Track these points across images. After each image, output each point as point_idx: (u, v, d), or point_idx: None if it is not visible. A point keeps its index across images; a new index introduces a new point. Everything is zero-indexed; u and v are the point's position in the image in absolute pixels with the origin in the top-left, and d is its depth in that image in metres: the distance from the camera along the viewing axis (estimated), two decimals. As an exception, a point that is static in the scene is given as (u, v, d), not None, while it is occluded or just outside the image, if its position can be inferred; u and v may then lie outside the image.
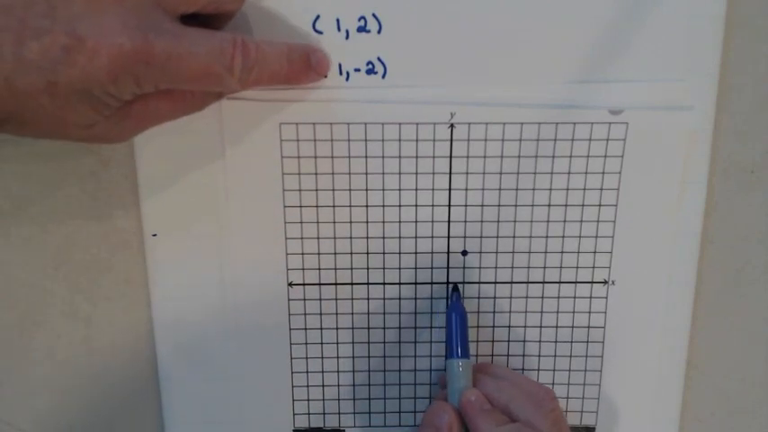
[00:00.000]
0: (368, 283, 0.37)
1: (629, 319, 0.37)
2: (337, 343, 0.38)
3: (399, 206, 0.36)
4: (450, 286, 0.37)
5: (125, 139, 0.30)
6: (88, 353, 0.38)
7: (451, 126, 0.34)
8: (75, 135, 0.28)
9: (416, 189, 0.35)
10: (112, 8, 0.25)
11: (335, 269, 0.36)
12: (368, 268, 0.37)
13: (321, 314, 0.37)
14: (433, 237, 0.36)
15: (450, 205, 0.36)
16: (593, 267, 0.37)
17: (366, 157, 0.35)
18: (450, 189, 0.35)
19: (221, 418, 0.38)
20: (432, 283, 0.37)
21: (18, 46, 0.24)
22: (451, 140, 0.35)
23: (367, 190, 0.35)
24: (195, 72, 0.27)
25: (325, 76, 0.33)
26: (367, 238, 0.36)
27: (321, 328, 0.37)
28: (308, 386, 0.38)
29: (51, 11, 0.24)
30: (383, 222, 0.36)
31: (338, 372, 0.38)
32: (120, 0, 0.25)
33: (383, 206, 0.36)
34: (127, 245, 0.36)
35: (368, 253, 0.36)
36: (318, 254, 0.36)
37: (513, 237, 0.36)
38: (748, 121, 0.35)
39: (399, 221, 0.36)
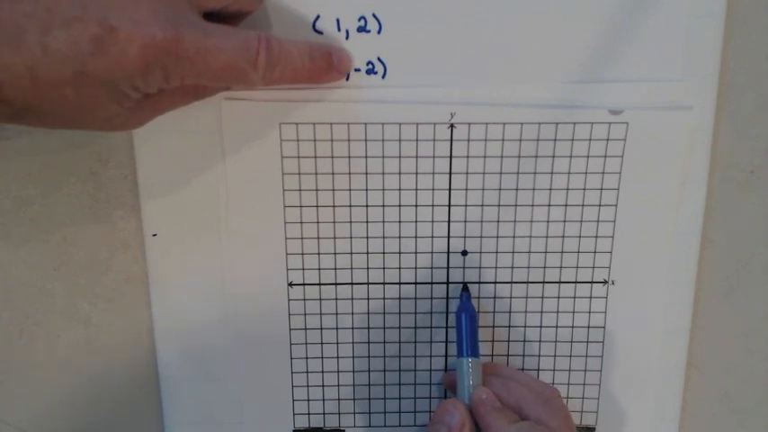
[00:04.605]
0: (368, 283, 0.37)
1: (629, 319, 0.37)
2: (337, 343, 0.38)
3: (399, 206, 0.36)
4: (460, 286, 0.37)
5: (138, 126, 0.30)
6: (88, 353, 0.38)
7: (451, 126, 0.34)
8: (94, 126, 0.28)
9: (416, 189, 0.35)
10: None
11: (335, 269, 0.36)
12: (368, 268, 0.37)
13: (321, 314, 0.37)
14: (432, 237, 0.36)
15: (450, 205, 0.36)
16: (593, 267, 0.37)
17: (366, 157, 0.35)
18: (450, 189, 0.35)
19: (221, 418, 0.38)
20: (432, 283, 0.37)
21: (43, 34, 0.24)
22: (451, 140, 0.35)
23: (367, 190, 0.35)
24: (221, 67, 0.27)
25: (347, 78, 0.33)
26: (367, 238, 0.36)
27: (321, 328, 0.37)
28: (308, 386, 0.38)
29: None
30: (383, 222, 0.36)
31: (338, 372, 0.38)
32: None
33: (383, 206, 0.36)
34: (127, 245, 0.36)
35: (368, 253, 0.36)
36: (318, 254, 0.36)
37: (513, 237, 0.36)
38: (748, 121, 0.35)
39: (399, 221, 0.36)
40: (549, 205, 0.36)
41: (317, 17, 0.33)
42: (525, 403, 0.32)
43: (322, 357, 0.38)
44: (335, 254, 0.36)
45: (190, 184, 0.35)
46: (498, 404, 0.32)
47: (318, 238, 0.36)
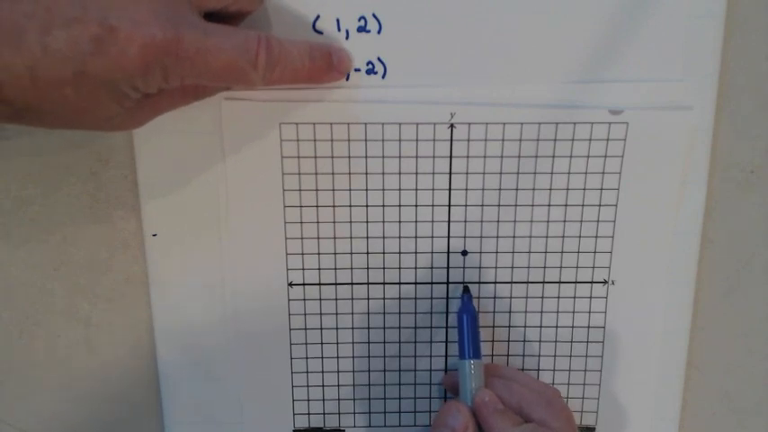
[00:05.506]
0: (368, 283, 0.37)
1: (629, 319, 0.37)
2: (337, 343, 0.38)
3: (399, 206, 0.36)
4: (460, 286, 0.37)
5: (138, 126, 0.30)
6: (88, 353, 0.38)
7: (451, 126, 0.34)
8: (93, 126, 0.28)
9: (416, 189, 0.35)
10: None
11: (335, 269, 0.36)
12: (368, 268, 0.37)
13: (321, 314, 0.37)
14: (432, 237, 0.36)
15: (450, 205, 0.36)
16: (593, 267, 0.37)
17: (366, 157, 0.35)
18: (450, 189, 0.35)
19: (221, 418, 0.38)
20: (432, 283, 0.37)
21: (43, 35, 0.24)
22: (451, 140, 0.35)
23: (367, 190, 0.35)
24: (221, 67, 0.27)
25: (348, 78, 0.33)
26: (367, 238, 0.36)
27: (321, 328, 0.37)
28: (308, 386, 0.38)
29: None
30: (383, 222, 0.36)
31: (338, 372, 0.38)
32: None
33: (383, 206, 0.36)
34: (127, 245, 0.36)
35: (368, 253, 0.36)
36: (318, 254, 0.36)
37: (513, 237, 0.36)
38: (748, 121, 0.35)
39: (399, 221, 0.36)
40: (549, 205, 0.36)
41: (317, 17, 0.33)
42: (527, 404, 0.32)
43: (322, 357, 0.38)
44: (335, 254, 0.36)
45: (190, 184, 0.35)
46: (501, 406, 0.32)
47: (318, 238, 0.36)
